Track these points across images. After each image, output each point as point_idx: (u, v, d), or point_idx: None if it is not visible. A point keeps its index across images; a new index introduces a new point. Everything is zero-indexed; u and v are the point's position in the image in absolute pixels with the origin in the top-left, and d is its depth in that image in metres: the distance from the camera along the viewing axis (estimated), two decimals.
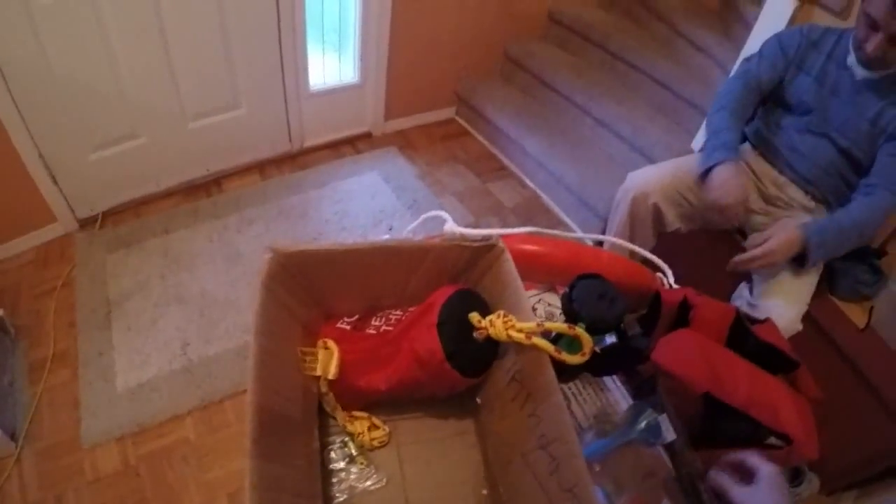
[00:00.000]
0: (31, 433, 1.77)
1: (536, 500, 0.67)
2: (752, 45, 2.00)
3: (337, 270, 0.82)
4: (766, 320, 1.01)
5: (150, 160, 2.43)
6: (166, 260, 2.27)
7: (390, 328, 0.83)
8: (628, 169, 1.87)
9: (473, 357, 0.77)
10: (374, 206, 2.57)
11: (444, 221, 1.06)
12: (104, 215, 2.44)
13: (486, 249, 0.82)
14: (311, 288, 0.81)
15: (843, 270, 1.72)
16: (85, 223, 2.41)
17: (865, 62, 1.45)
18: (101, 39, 2.05)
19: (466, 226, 2.29)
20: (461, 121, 3.20)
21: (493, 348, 0.78)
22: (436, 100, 3.13)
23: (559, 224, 2.58)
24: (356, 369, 0.80)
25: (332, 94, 2.80)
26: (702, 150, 1.74)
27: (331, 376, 0.78)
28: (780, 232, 1.51)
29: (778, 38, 1.69)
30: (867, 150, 1.54)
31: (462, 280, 0.86)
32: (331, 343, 0.81)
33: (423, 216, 1.10)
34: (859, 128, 1.54)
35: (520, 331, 0.71)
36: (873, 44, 1.39)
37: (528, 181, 2.79)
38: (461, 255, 0.83)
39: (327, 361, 0.79)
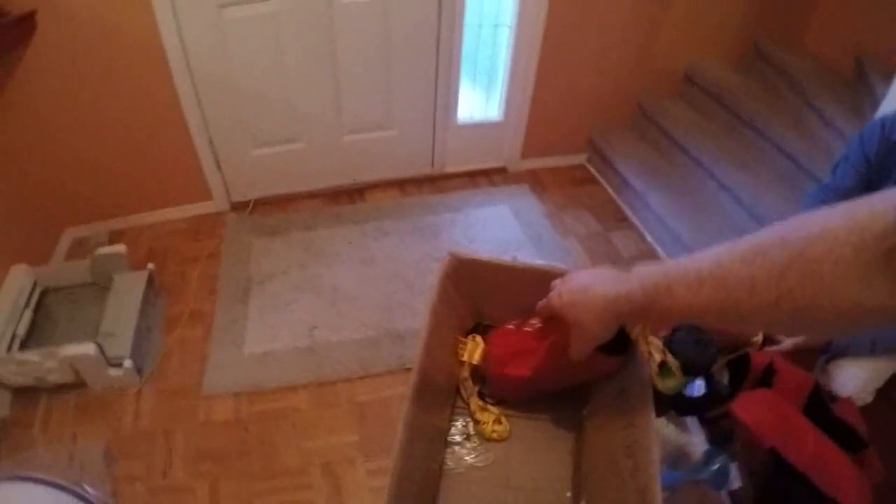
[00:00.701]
0: (156, 374, 2.07)
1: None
2: None
3: (494, 281, 0.99)
4: (847, 399, 1.07)
5: (304, 163, 2.74)
6: (307, 253, 2.53)
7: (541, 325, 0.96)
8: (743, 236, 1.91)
9: (615, 341, 0.83)
10: (501, 237, 2.74)
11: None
12: (255, 203, 2.77)
13: None
14: (472, 289, 0.99)
15: None
16: (237, 206, 2.75)
17: None
18: (279, 53, 2.38)
19: (581, 266, 2.40)
20: (591, 168, 3.31)
21: (626, 340, 0.86)
22: (569, 145, 3.27)
23: None
24: (504, 360, 0.95)
25: (476, 128, 3.02)
26: None
27: (475, 361, 0.95)
28: None
29: (861, 139, 1.58)
30: None
31: None
32: (478, 338, 0.98)
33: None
34: None
35: (648, 343, 0.83)
36: None
37: (647, 235, 2.86)
38: None
39: (474, 350, 0.96)
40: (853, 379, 1.53)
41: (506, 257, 0.99)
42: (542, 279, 0.97)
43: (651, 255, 2.77)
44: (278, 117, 2.57)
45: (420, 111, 2.78)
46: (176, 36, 2.19)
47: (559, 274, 0.95)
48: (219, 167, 2.60)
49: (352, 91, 2.59)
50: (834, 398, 1.07)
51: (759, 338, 1.22)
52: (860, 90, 2.67)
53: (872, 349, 1.51)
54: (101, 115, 2.32)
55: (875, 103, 2.20)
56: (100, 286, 2.22)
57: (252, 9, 2.25)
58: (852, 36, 2.86)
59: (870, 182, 1.57)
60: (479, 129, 3.04)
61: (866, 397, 1.54)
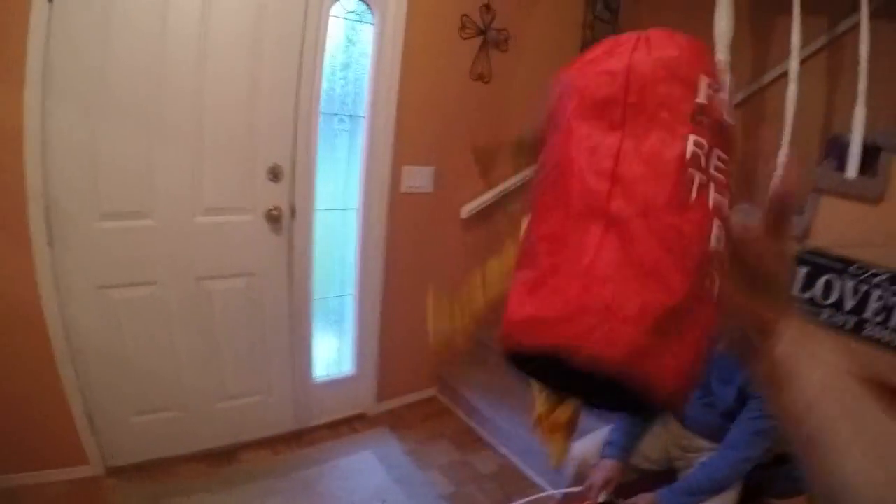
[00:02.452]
0: None
1: None
2: None
3: None
4: None
5: (179, 429, 2.86)
6: None
7: None
8: (582, 434, 2.28)
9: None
10: (369, 483, 2.89)
11: None
12: (133, 467, 2.77)
13: None
14: None
15: (775, 473, 1.99)
16: (114, 471, 2.74)
17: None
18: (156, 328, 2.67)
19: (449, 495, 2.67)
20: (443, 399, 3.66)
21: None
22: (420, 381, 3.64)
23: (532, 486, 2.90)
24: None
25: (333, 383, 3.33)
26: None
27: None
28: (642, 497, 1.89)
29: None
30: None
31: None
32: None
33: None
34: (730, 396, 1.86)
35: None
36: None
37: (502, 450, 3.16)
38: None
39: None
40: None
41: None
42: None
43: (510, 470, 3.06)
44: (156, 387, 2.74)
45: (281, 376, 3.07)
46: (57, 309, 2.39)
47: None
48: (95, 433, 2.64)
49: (220, 363, 2.86)
50: None
51: None
52: None
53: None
54: None
55: None
56: None
57: (130, 291, 2.55)
58: None
59: None
60: (336, 383, 3.35)
61: None
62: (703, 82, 0.42)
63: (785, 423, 0.51)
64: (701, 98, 0.42)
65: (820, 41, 3.02)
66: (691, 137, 0.40)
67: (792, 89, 2.47)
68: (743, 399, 1.85)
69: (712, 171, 0.41)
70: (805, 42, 2.61)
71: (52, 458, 2.63)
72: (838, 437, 0.47)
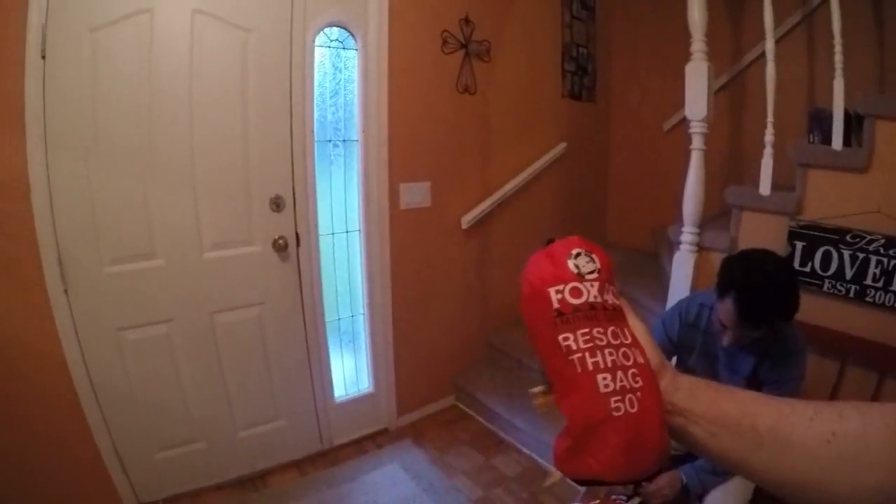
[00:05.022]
0: None
1: None
2: (671, 300, 2.59)
3: None
4: None
5: (206, 460, 2.91)
6: None
7: None
8: None
9: None
10: (398, 494, 2.94)
11: None
12: (164, 501, 2.82)
13: None
14: None
15: None
16: None
17: None
18: (173, 365, 2.71)
19: (477, 499, 2.70)
20: (461, 406, 3.72)
21: None
22: (437, 392, 3.70)
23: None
24: None
25: (353, 402, 3.39)
26: None
27: None
28: (666, 475, 1.94)
29: (663, 323, 2.02)
30: None
31: None
32: None
33: None
34: (739, 385, 1.82)
35: None
36: (727, 339, 1.70)
37: (524, 450, 3.21)
38: None
39: None
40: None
41: None
42: None
43: (533, 468, 3.10)
44: (179, 421, 2.79)
45: (302, 400, 3.13)
46: (77, 354, 2.45)
47: None
48: (125, 471, 2.70)
49: (240, 392, 2.92)
50: None
51: None
52: (661, 277, 3.31)
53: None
54: (6, 423, 2.38)
55: (665, 278, 2.79)
56: None
57: (145, 331, 2.61)
58: (640, 220, 3.77)
59: (675, 356, 2.05)
60: (356, 401, 3.40)
61: None
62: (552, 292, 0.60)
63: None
64: (555, 305, 0.60)
65: (794, 18, 3.07)
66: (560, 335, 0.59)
67: (770, 69, 2.51)
68: (754, 386, 1.86)
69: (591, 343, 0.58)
70: (779, 21, 2.66)
71: (84, 500, 2.67)
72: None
